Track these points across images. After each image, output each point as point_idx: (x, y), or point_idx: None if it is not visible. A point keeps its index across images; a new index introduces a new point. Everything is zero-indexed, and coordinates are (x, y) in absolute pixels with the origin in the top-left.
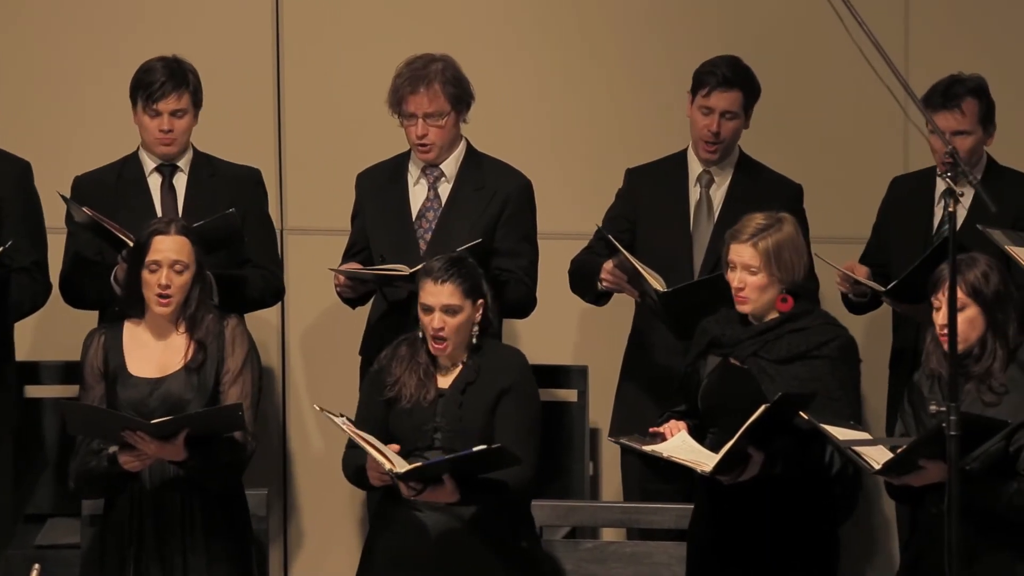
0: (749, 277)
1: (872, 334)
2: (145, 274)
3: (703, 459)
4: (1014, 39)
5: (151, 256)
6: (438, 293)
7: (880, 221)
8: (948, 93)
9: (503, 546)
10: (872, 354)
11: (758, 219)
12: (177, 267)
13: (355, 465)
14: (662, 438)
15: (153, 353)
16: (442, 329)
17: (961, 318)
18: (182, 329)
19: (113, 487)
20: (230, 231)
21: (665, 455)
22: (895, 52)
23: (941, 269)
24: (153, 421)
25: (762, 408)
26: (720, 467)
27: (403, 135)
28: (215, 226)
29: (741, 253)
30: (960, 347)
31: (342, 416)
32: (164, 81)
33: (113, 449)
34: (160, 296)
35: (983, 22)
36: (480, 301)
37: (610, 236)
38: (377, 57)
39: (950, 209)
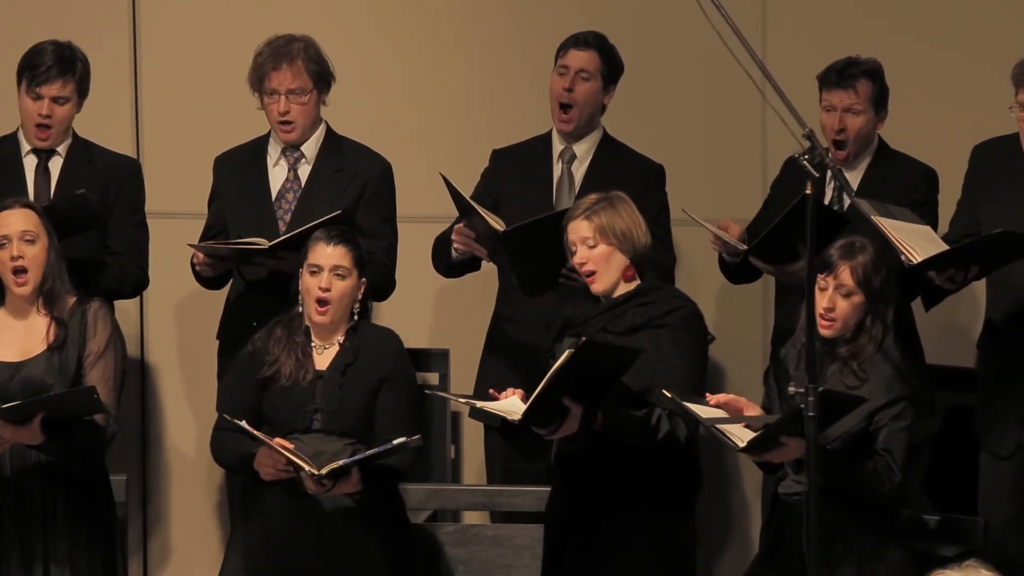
0: (589, 251)
1: (738, 309)
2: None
3: (518, 412)
4: (871, 24)
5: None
6: (329, 254)
7: (771, 197)
8: (843, 72)
9: (374, 528)
10: (740, 330)
11: (591, 197)
12: (27, 237)
13: (240, 453)
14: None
15: (14, 337)
16: (329, 290)
17: (846, 304)
18: (42, 309)
19: None
20: (83, 212)
21: (479, 405)
22: (752, 36)
23: (830, 250)
24: (4, 406)
25: (567, 353)
26: (533, 417)
27: (261, 119)
28: (67, 206)
29: (577, 229)
30: (836, 332)
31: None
32: (50, 66)
33: None
34: (16, 273)
35: (840, 7)
36: (363, 279)
37: (445, 177)
38: (234, 41)
39: (807, 191)
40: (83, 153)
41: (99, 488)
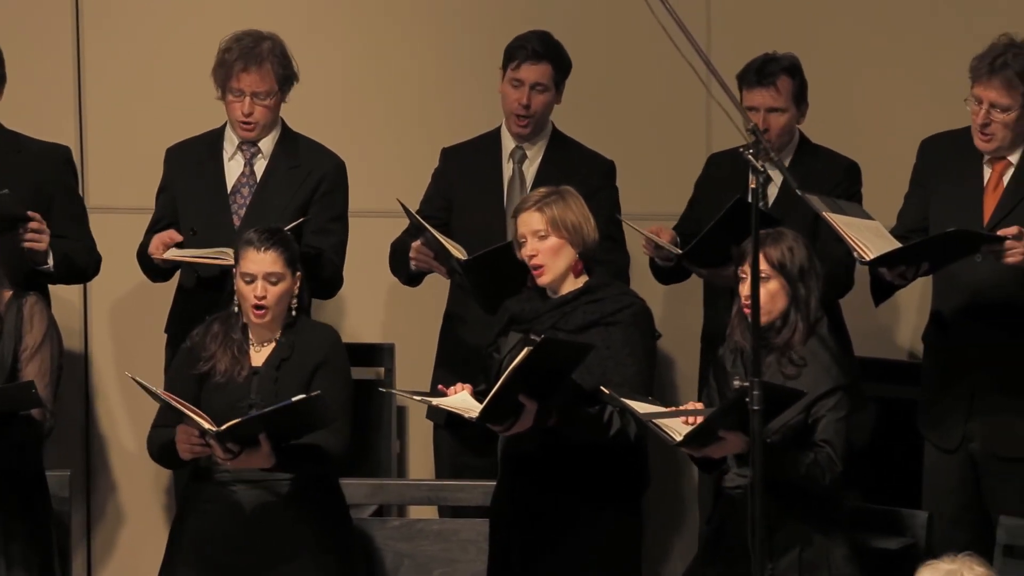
0: (540, 243)
1: (688, 310)
2: None
3: (475, 410)
4: (815, 18)
5: None
6: (261, 261)
7: (696, 195)
8: (763, 71)
9: (315, 523)
10: (688, 327)
11: (540, 190)
12: None
13: (161, 442)
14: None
15: None
16: (264, 297)
17: (764, 290)
18: None
19: None
20: (5, 212)
21: (434, 403)
22: (697, 31)
23: (747, 243)
24: None
25: (526, 350)
26: (490, 414)
27: (208, 114)
28: None
29: (528, 221)
30: (764, 319)
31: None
32: None
33: None
34: None
35: (783, 2)
36: (298, 274)
37: (402, 202)
38: (179, 35)
39: (752, 186)
40: (11, 144)
41: (35, 483)
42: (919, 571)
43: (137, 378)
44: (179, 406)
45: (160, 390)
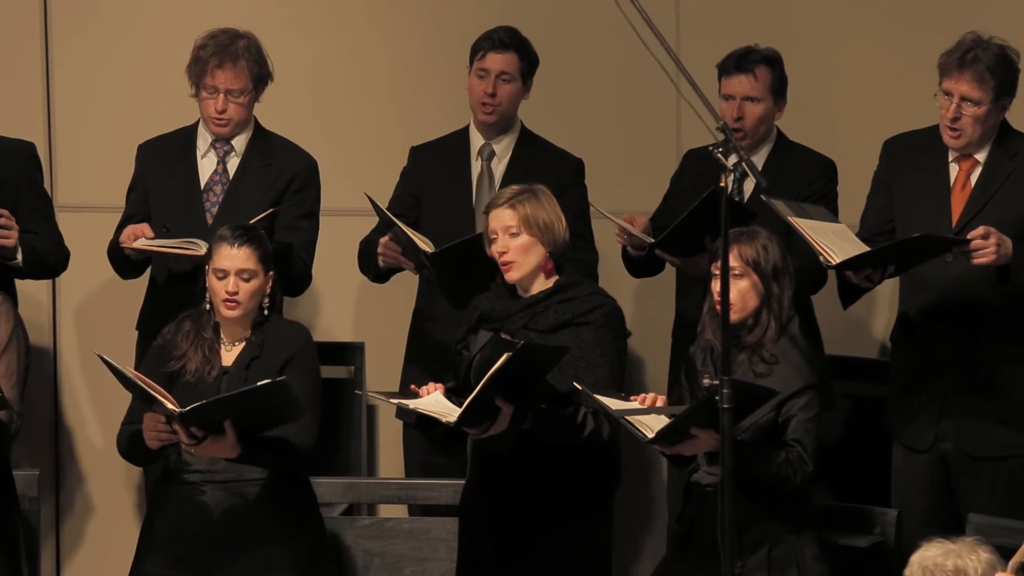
0: (511, 240)
1: (657, 304)
2: None
3: (452, 413)
4: (785, 17)
5: None
6: (234, 257)
7: (671, 190)
8: (743, 59)
9: (285, 521)
10: (657, 324)
11: (513, 188)
12: None
13: (129, 433)
14: (418, 396)
15: None
16: (236, 293)
17: (736, 288)
18: None
19: None
20: None
21: (411, 406)
22: (667, 29)
23: (720, 240)
24: None
25: (504, 356)
26: (467, 418)
27: (177, 111)
28: None
29: (500, 217)
30: (735, 317)
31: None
32: None
33: None
34: None
35: (752, 0)
36: (271, 273)
37: (369, 196)
38: (150, 32)
39: (721, 184)
40: None
41: (2, 483)
42: (920, 547)
43: (104, 356)
44: (144, 385)
45: (126, 367)
